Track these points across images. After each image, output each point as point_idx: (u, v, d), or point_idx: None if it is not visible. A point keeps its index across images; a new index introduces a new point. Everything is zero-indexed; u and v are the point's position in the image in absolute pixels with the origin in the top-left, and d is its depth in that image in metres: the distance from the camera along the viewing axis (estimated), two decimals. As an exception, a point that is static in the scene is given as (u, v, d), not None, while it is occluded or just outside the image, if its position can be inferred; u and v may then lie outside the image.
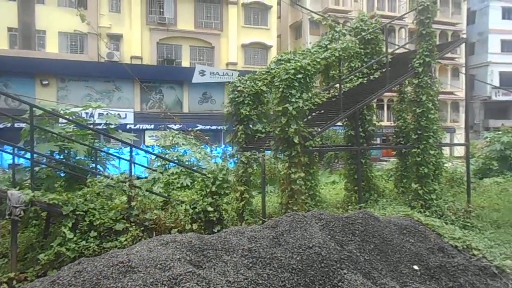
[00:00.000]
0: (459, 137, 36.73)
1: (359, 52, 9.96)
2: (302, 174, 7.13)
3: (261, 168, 7.75)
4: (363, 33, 9.90)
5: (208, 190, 6.87)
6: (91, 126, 8.43)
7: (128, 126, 30.86)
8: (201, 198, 6.83)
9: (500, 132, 16.41)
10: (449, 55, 40.62)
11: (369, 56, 10.10)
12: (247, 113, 8.34)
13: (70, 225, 5.78)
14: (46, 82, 31.47)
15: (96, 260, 3.87)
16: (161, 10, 34.55)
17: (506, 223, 9.57)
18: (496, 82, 43.10)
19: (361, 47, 10.05)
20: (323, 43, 9.45)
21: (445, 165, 14.23)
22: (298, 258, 4.28)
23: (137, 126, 31.43)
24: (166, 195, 7.53)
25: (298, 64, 7.10)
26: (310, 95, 7.32)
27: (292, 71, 7.03)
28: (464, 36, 41.71)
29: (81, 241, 5.77)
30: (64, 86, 32.36)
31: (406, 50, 11.69)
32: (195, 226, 6.56)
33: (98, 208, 6.05)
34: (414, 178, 8.74)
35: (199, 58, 35.64)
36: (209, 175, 6.92)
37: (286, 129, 7.01)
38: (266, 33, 36.62)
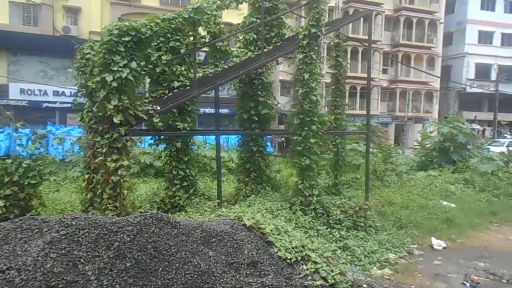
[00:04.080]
0: (432, 129, 35.59)
1: (253, 22, 8.56)
2: (126, 162, 5.78)
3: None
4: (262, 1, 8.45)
5: (7, 180, 5.49)
6: None
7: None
8: (-2, 189, 5.46)
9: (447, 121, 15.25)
10: (425, 44, 39.23)
11: (268, 28, 8.69)
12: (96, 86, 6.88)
13: None
14: (-5, 56, 29.43)
15: None
16: (125, -17, 32.51)
17: (410, 222, 8.43)
18: (472, 74, 41.93)
19: (258, 17, 8.64)
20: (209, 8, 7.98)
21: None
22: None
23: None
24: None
25: (125, 24, 5.67)
26: (152, 64, 5.91)
27: (116, 31, 5.61)
28: (442, 25, 40.34)
29: None
30: (15, 60, 30.30)
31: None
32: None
33: None
34: (297, 170, 7.43)
35: (165, 36, 33.73)
36: (9, 160, 5.53)
37: (106, 105, 5.62)
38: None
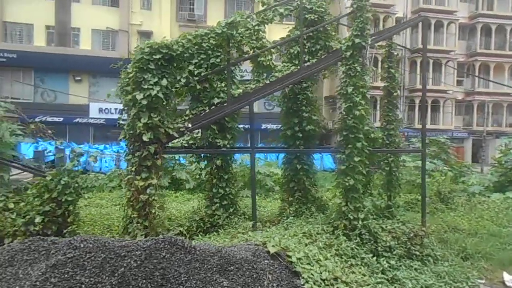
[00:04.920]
0: (515, 144, 31.98)
1: (298, 35, 8.22)
2: (155, 181, 5.67)
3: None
4: (306, 14, 8.14)
5: (47, 196, 5.67)
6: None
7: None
8: (38, 205, 5.66)
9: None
10: (507, 52, 35.62)
11: (313, 41, 8.30)
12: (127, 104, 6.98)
13: None
14: (79, 78, 32.22)
15: None
16: (192, 7, 34.22)
17: (478, 253, 7.34)
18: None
19: (303, 30, 8.28)
20: (251, 23, 7.82)
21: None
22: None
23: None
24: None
25: (156, 42, 5.66)
26: (182, 81, 5.83)
27: (148, 50, 5.61)
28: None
29: None
30: (95, 82, 32.93)
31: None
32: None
33: None
34: (340, 190, 6.84)
35: (230, 55, 34.94)
36: (49, 177, 5.72)
37: (136, 123, 5.61)
38: (297, 27, 34.79)
